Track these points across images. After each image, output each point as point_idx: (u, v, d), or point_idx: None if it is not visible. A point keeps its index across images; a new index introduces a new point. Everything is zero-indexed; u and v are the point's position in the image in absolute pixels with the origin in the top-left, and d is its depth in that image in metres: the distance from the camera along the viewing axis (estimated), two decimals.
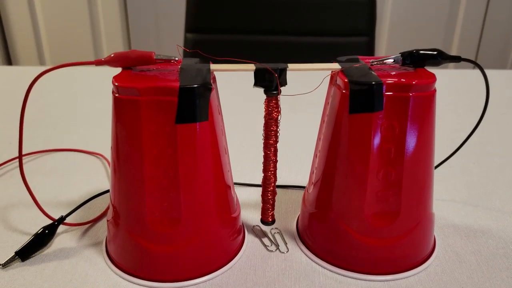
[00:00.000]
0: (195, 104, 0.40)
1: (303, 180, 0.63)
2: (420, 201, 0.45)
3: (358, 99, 0.42)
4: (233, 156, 0.69)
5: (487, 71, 1.13)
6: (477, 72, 1.13)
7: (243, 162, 0.68)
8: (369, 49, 1.30)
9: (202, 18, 1.31)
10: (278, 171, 0.60)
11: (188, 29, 1.32)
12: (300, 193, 0.61)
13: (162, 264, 0.45)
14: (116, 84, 0.41)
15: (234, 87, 0.98)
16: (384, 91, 0.41)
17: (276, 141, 0.47)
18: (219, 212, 0.46)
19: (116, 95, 0.41)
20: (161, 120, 0.41)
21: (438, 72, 1.10)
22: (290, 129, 0.79)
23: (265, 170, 0.48)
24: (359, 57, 0.47)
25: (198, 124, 0.41)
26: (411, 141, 0.42)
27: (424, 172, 0.44)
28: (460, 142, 0.53)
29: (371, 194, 0.44)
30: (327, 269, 0.47)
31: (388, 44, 1.98)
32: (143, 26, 1.97)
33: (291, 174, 0.65)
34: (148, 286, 0.45)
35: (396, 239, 0.45)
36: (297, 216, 0.55)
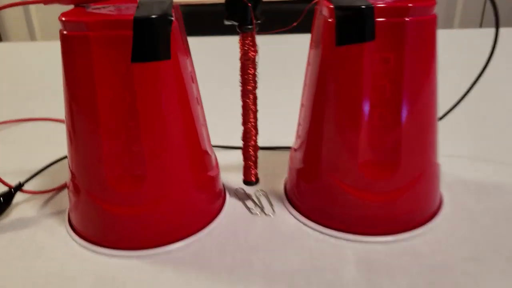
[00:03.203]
0: (153, 39, 0.34)
1: (291, 141, 0.57)
2: (423, 147, 0.39)
3: (346, 28, 0.35)
4: (213, 118, 0.63)
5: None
6: (484, 31, 1.06)
7: (223, 125, 0.62)
8: None
9: None
10: (263, 132, 0.55)
11: None
12: (288, 154, 0.55)
13: (127, 229, 0.39)
14: (63, 19, 0.35)
15: (214, 55, 0.93)
16: (375, 17, 0.35)
17: (255, 87, 0.41)
18: (192, 169, 0.40)
19: (64, 32, 0.35)
20: (116, 59, 0.35)
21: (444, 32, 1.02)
22: (273, 89, 0.73)
23: (244, 122, 0.42)
24: None
25: (158, 64, 0.35)
26: (409, 76, 0.36)
27: (426, 112, 0.38)
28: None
29: (366, 141, 0.38)
30: (318, 231, 0.41)
31: None
32: None
33: (277, 134, 0.59)
34: (111, 255, 0.39)
35: (397, 193, 0.39)
36: (285, 177, 0.50)
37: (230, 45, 0.96)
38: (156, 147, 0.37)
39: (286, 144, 0.57)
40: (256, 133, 0.43)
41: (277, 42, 0.88)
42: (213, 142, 0.54)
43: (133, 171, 0.38)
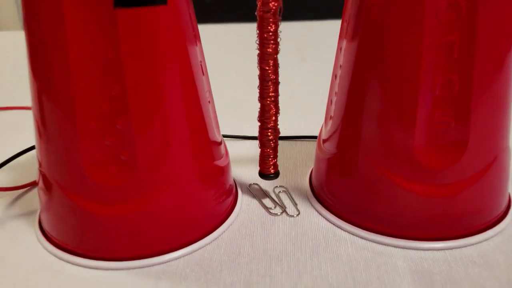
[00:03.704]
0: None
1: (315, 130, 0.49)
2: (497, 126, 0.30)
3: None
4: (223, 107, 0.55)
5: None
6: None
7: (235, 114, 0.53)
8: None
9: None
10: (283, 121, 0.46)
11: None
12: (312, 144, 0.46)
13: (112, 234, 0.30)
14: None
15: (225, 41, 0.84)
16: None
17: (276, 51, 0.32)
18: (196, 156, 0.31)
19: None
20: (94, 4, 0.26)
21: None
22: (298, 76, 0.65)
23: (261, 97, 0.33)
24: None
25: (150, 10, 0.26)
26: (485, 30, 0.27)
27: (503, 80, 0.29)
28: None
29: (425, 116, 0.29)
30: (358, 236, 0.32)
31: None
32: None
33: (300, 124, 0.51)
34: (92, 266, 0.30)
35: (462, 186, 0.30)
36: (310, 170, 0.41)
37: (238, 32, 0.87)
38: (148, 123, 0.28)
39: (307, 133, 0.48)
40: (277, 111, 0.34)
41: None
42: (221, 132, 0.45)
43: (118, 157, 0.29)
